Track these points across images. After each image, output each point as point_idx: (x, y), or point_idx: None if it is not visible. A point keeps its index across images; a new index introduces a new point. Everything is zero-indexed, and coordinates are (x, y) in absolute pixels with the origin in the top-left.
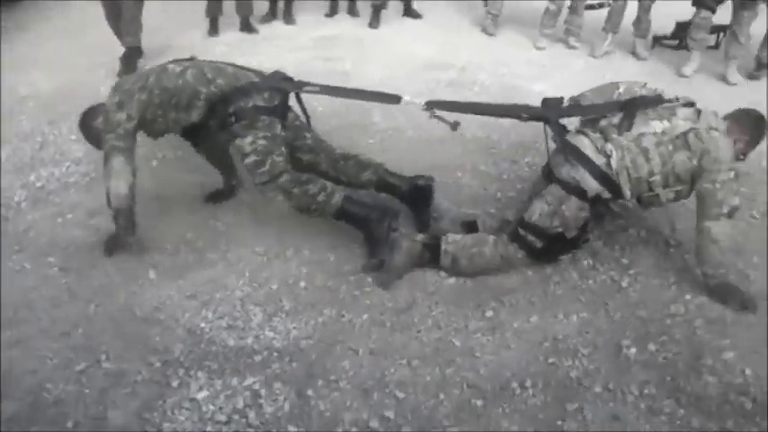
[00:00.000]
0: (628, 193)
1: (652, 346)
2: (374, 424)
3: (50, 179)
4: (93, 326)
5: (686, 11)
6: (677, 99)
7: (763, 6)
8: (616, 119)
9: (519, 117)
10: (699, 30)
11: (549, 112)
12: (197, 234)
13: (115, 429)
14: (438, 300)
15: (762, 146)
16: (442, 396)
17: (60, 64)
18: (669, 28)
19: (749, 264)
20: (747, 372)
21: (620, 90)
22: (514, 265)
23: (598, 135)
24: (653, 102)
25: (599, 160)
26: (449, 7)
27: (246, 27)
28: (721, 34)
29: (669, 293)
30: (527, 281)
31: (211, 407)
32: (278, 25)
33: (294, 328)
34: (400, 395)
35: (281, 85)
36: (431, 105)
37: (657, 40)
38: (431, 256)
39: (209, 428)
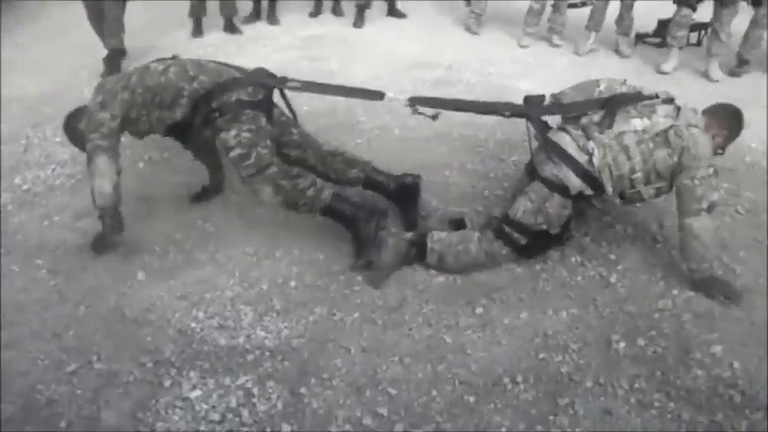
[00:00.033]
0: (610, 189)
1: (641, 341)
2: (367, 421)
3: (36, 182)
4: (83, 327)
5: (668, 8)
6: (657, 96)
7: (742, 4)
8: (597, 116)
9: (501, 114)
10: (679, 27)
11: (531, 109)
12: (185, 235)
13: (109, 429)
14: (428, 297)
15: (744, 142)
16: (434, 393)
17: (43, 66)
18: (651, 26)
19: (735, 258)
20: (736, 365)
21: (601, 88)
22: (500, 261)
23: (580, 132)
24: (633, 99)
25: (581, 158)
26: (431, 7)
27: (230, 28)
28: (703, 32)
29: (657, 288)
30: (516, 278)
31: (204, 406)
32: (262, 26)
33: (285, 327)
34: (393, 392)
35: (264, 81)
36: (414, 102)
37: (640, 38)
38: (417, 253)
39: (202, 427)
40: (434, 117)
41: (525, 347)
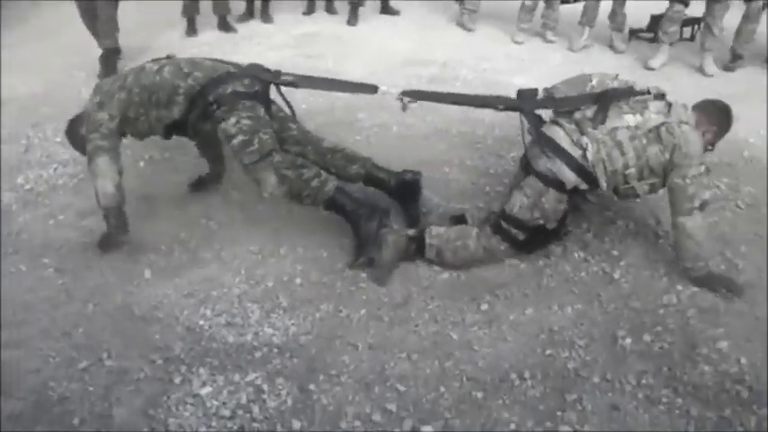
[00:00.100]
0: (604, 185)
1: (647, 337)
2: (377, 417)
3: (38, 181)
4: (93, 325)
5: (661, 4)
6: (648, 91)
7: None
8: (590, 111)
9: (495, 107)
10: (671, 23)
11: (525, 103)
12: (190, 233)
13: (121, 426)
14: (433, 294)
15: (742, 137)
16: (442, 389)
17: (39, 66)
18: (644, 21)
19: (737, 253)
20: (743, 360)
21: (593, 82)
22: (498, 257)
23: (573, 126)
24: (625, 94)
25: (575, 152)
26: (423, 6)
27: (224, 26)
28: (696, 26)
29: (661, 284)
30: (520, 274)
31: (215, 402)
32: (256, 24)
33: (292, 324)
34: (401, 388)
35: (259, 74)
36: (407, 95)
37: (634, 33)
38: (416, 249)
39: (214, 423)
40: (404, 108)
41: (531, 343)
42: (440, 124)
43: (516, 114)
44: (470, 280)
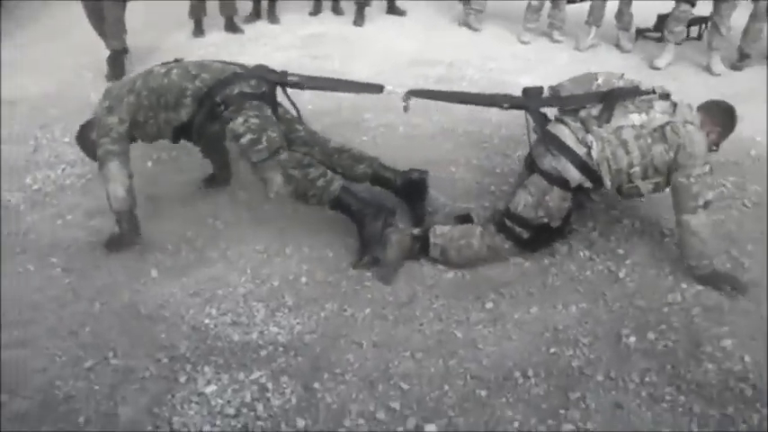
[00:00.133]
0: (608, 183)
1: (651, 335)
2: (380, 415)
3: (46, 181)
4: (99, 324)
5: (668, 3)
6: (654, 91)
7: None
8: (596, 110)
9: (500, 106)
10: (677, 22)
11: (530, 101)
12: (196, 233)
13: (126, 424)
14: (438, 293)
15: (749, 135)
16: (446, 387)
17: (48, 67)
18: (651, 20)
19: (743, 252)
20: (746, 359)
21: (599, 81)
22: (503, 255)
23: (578, 125)
24: (631, 93)
25: (580, 150)
26: (429, 6)
27: (231, 27)
28: (703, 25)
29: (666, 282)
30: (525, 272)
31: (220, 400)
32: (262, 25)
33: (297, 323)
34: (405, 387)
35: (265, 75)
36: (413, 95)
37: (640, 33)
38: (421, 248)
39: (218, 422)
40: (406, 108)
41: (536, 342)
42: (446, 124)
43: (522, 113)
44: (475, 279)
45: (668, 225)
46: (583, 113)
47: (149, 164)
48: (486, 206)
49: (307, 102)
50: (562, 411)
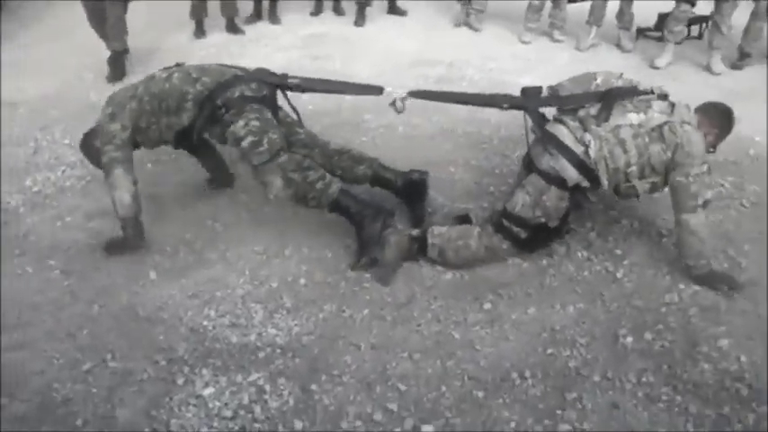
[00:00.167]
0: (605, 182)
1: (648, 335)
2: (378, 416)
3: (46, 183)
4: (97, 326)
5: (668, 3)
6: (652, 91)
7: None
8: (594, 109)
9: (499, 106)
10: (677, 22)
11: (529, 101)
12: (195, 234)
13: (124, 427)
14: (436, 294)
15: (748, 135)
16: (443, 388)
17: (48, 68)
18: (652, 20)
19: (740, 251)
20: (743, 359)
21: (598, 81)
22: (500, 256)
23: (577, 124)
24: (630, 93)
25: (578, 149)
26: (430, 7)
27: (232, 28)
28: (704, 25)
29: (663, 283)
30: (523, 273)
31: (217, 403)
32: (263, 25)
33: (296, 324)
34: (402, 388)
35: (265, 78)
36: (413, 96)
37: (641, 32)
38: (419, 248)
39: (215, 424)
40: (399, 110)
41: (533, 342)
42: (446, 124)
43: (521, 114)
44: (473, 279)
45: (666, 226)
46: (581, 113)
47: (149, 165)
48: (484, 207)
49: (307, 102)
50: (559, 412)
